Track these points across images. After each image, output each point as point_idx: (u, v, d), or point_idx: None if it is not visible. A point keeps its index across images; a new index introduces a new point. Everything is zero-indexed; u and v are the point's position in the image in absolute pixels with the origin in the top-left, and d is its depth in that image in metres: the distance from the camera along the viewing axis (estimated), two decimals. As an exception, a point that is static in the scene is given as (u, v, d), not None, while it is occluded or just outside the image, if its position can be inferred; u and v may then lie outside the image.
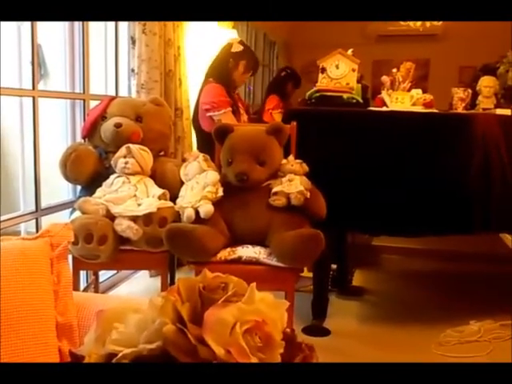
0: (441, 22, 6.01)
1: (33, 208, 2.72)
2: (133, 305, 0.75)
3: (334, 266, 3.39)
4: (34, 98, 2.64)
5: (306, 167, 2.48)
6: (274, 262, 2.26)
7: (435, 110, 2.98)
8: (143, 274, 3.56)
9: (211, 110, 3.12)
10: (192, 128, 3.57)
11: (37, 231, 2.71)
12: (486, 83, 3.40)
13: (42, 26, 2.82)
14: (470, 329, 2.89)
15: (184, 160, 2.71)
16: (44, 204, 2.78)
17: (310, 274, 2.93)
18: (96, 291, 2.88)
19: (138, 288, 3.45)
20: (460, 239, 3.20)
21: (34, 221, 2.74)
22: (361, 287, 3.56)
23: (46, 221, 2.80)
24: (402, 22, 6.14)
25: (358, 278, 3.71)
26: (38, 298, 1.27)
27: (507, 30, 6.67)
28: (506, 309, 3.07)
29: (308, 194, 2.36)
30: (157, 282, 2.89)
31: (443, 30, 6.79)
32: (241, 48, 3.24)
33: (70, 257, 2.18)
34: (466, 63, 7.37)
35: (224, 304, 0.67)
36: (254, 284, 0.72)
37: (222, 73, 3.22)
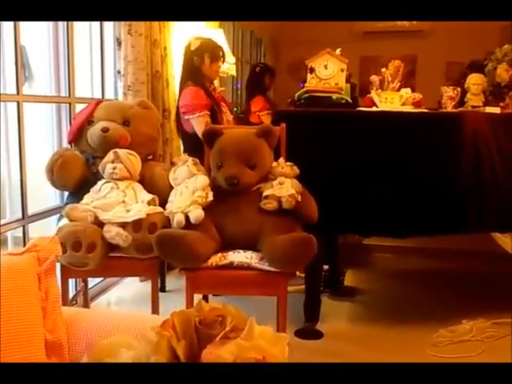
0: (427, 18, 6.00)
1: (19, 215, 2.66)
2: (125, 339, 0.71)
3: (325, 267, 3.38)
4: (18, 102, 2.58)
5: (296, 170, 2.45)
6: (265, 266, 2.24)
7: (425, 110, 2.97)
8: (133, 279, 3.52)
9: (187, 113, 3.08)
10: (176, 131, 3.52)
11: (24, 238, 2.67)
12: (475, 81, 3.39)
13: (25, 27, 2.76)
14: (463, 328, 2.90)
15: (173, 164, 2.67)
16: (31, 210, 2.73)
17: (302, 274, 2.91)
18: (85, 298, 2.85)
19: (128, 293, 3.42)
20: (452, 237, 3.19)
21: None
22: (353, 287, 3.55)
23: (33, 227, 2.75)
24: (388, 18, 6.12)
25: (349, 278, 3.70)
26: (26, 316, 1.24)
27: (493, 26, 6.70)
28: (498, 307, 3.08)
29: (299, 197, 2.34)
30: (147, 286, 2.85)
31: (430, 26, 6.82)
32: (198, 42, 3.20)
33: (58, 265, 2.14)
34: (453, 59, 7.39)
35: (222, 341, 0.64)
36: (253, 319, 0.68)
37: (192, 73, 3.18)
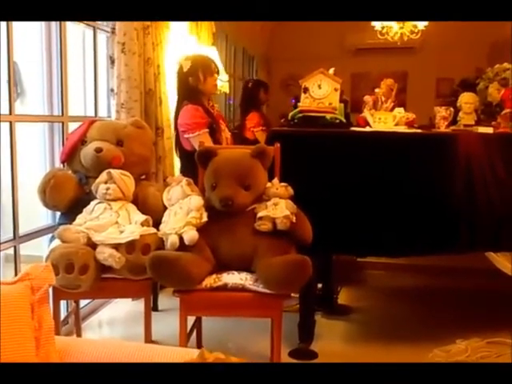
0: (418, 35, 6.06)
1: (10, 235, 2.63)
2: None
3: (319, 285, 3.36)
4: (11, 122, 2.56)
5: (290, 190, 2.44)
6: (260, 288, 2.22)
7: (418, 130, 2.98)
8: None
9: (186, 132, 3.07)
10: (174, 150, 3.50)
11: (15, 259, 2.64)
12: (467, 99, 3.42)
13: (18, 43, 2.75)
14: (457, 348, 2.88)
15: (166, 184, 2.66)
16: (22, 229, 2.70)
17: (296, 294, 2.89)
18: (77, 319, 2.81)
19: (120, 313, 3.38)
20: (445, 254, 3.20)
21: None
22: (347, 306, 3.54)
23: (24, 247, 2.73)
24: (379, 35, 6.18)
25: (343, 296, 3.69)
26: (19, 347, 1.21)
27: (482, 43, 6.80)
28: (491, 325, 3.08)
29: (294, 219, 2.32)
30: (139, 305, 2.82)
31: (420, 43, 6.87)
32: (189, 62, 3.20)
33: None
34: (443, 75, 7.48)
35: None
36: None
37: (190, 92, 3.18)
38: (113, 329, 3.31)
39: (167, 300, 3.35)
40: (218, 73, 3.32)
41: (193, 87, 3.16)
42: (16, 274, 2.62)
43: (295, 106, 3.08)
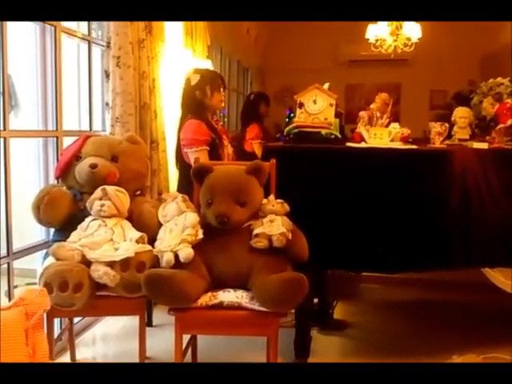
0: (412, 48, 6.11)
1: (4, 251, 2.60)
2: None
3: (314, 300, 3.35)
4: (5, 138, 2.54)
5: (286, 207, 2.43)
6: (256, 306, 2.20)
7: (413, 146, 2.98)
8: (119, 313, 3.45)
9: (186, 146, 3.10)
10: (169, 163, 3.50)
11: (8, 276, 2.60)
12: (461, 114, 3.44)
13: (13, 56, 2.73)
14: (454, 364, 2.87)
15: (161, 199, 2.65)
16: (16, 246, 2.67)
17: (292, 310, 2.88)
18: (71, 336, 2.78)
19: (114, 328, 3.34)
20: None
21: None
22: (342, 321, 3.52)
23: (17, 261, 2.70)
24: (373, 48, 6.23)
25: (338, 311, 3.67)
26: (13, 374, 1.19)
27: (474, 55, 6.87)
28: (488, 341, 3.08)
29: (290, 236, 2.31)
30: (133, 320, 2.79)
31: (413, 56, 6.93)
32: (198, 76, 3.22)
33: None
34: (437, 87, 7.54)
35: None
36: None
37: (195, 107, 3.20)
38: (107, 345, 3.28)
39: (162, 315, 3.32)
40: (224, 89, 3.33)
41: (199, 101, 3.18)
42: (9, 292, 2.59)
43: (289, 117, 3.09)
